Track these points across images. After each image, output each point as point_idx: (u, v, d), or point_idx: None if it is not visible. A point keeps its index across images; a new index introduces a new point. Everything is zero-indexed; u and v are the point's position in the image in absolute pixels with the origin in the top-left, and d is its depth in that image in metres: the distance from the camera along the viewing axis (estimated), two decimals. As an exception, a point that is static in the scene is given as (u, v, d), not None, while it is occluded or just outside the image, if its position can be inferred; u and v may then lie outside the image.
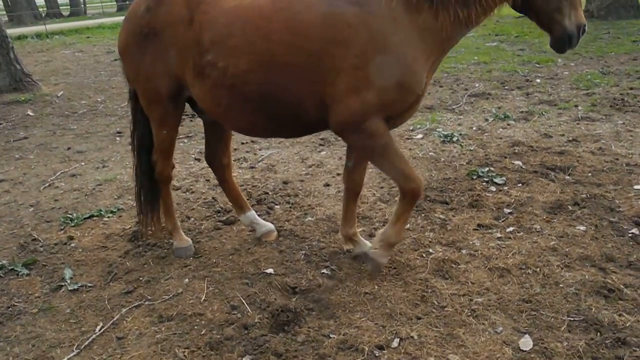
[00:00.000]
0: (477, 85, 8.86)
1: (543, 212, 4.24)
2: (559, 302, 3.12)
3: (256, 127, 3.33)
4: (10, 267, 3.86)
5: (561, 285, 3.26)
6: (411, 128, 6.66)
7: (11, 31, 12.82)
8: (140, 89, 3.51)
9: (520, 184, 4.78)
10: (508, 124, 6.60)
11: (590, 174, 4.90)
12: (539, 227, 4.00)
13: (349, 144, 3.35)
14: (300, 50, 2.84)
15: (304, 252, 3.81)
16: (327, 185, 5.05)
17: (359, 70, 2.78)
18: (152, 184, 3.88)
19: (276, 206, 4.64)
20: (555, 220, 4.08)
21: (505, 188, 4.71)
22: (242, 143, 6.36)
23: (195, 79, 3.16)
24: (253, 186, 5.07)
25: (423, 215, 4.30)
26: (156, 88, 3.37)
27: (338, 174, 5.26)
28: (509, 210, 4.29)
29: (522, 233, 3.93)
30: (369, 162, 3.52)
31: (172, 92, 3.36)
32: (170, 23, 3.17)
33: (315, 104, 2.97)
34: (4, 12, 37.69)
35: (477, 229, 4.04)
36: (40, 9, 42.61)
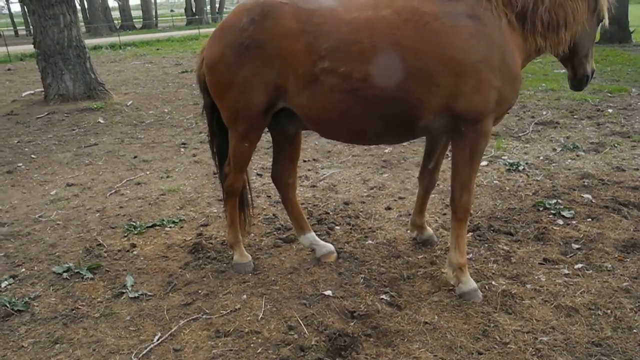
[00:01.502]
0: (544, 113, 8.61)
1: (615, 250, 4.03)
2: (632, 348, 2.94)
3: (364, 133, 3.46)
4: (76, 270, 3.98)
5: (635, 331, 3.08)
6: (475, 154, 6.51)
7: (88, 42, 13.38)
8: (231, 100, 3.50)
9: (589, 219, 4.57)
10: (577, 155, 6.36)
11: (666, 212, 4.65)
12: (610, 265, 3.80)
13: (458, 143, 3.42)
14: (430, 55, 3.14)
15: (363, 275, 3.75)
16: (388, 208, 4.99)
17: (481, 73, 3.17)
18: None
19: (336, 227, 4.60)
20: (628, 260, 3.88)
21: (574, 222, 4.52)
22: (305, 161, 6.38)
23: (305, 87, 3.25)
24: (314, 205, 5.06)
25: (486, 245, 4.18)
26: (249, 100, 3.41)
27: (400, 198, 5.19)
28: (577, 246, 4.11)
29: (591, 271, 3.75)
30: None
31: (267, 103, 3.41)
32: (276, 35, 3.24)
33: (433, 106, 3.24)
34: (83, 24, 39.55)
35: (543, 264, 3.88)
36: (115, 21, 44.56)
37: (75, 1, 11.58)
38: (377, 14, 3.22)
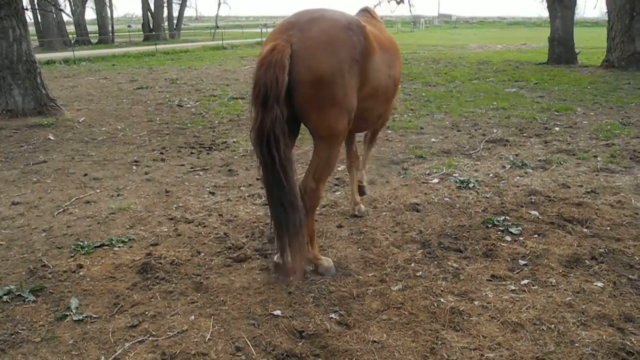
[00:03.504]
0: (495, 131, 8.84)
1: (559, 265, 4.14)
2: (573, 362, 3.01)
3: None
4: (17, 293, 3.84)
5: (577, 345, 3.15)
6: (427, 172, 6.62)
7: (40, 56, 13.11)
8: (342, 109, 3.61)
9: (536, 235, 4.69)
10: (525, 172, 6.53)
11: (609, 228, 4.80)
12: (554, 281, 3.90)
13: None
14: None
15: (313, 294, 3.74)
16: (340, 226, 5.00)
17: None
18: (298, 213, 3.56)
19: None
20: (571, 275, 3.98)
21: (521, 238, 4.63)
22: (257, 179, 6.35)
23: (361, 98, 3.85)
24: (266, 223, 5.04)
25: (436, 262, 4.23)
26: (353, 107, 3.72)
27: (352, 216, 5.21)
28: (524, 262, 4.20)
29: (537, 286, 3.83)
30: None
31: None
32: (369, 53, 3.75)
33: None
34: (36, 37, 38.65)
35: (491, 280, 3.95)
36: (70, 36, 43.68)
37: (27, 15, 11.33)
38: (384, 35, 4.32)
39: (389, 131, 8.92)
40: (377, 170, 6.70)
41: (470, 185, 6.06)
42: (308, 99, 3.50)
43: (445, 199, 5.69)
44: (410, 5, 24.57)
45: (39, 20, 40.53)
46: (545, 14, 23.19)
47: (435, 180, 6.30)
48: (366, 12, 4.89)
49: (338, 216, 5.26)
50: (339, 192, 5.90)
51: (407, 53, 26.93)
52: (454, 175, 6.46)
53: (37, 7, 36.04)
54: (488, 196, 5.72)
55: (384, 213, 5.29)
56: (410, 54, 26.92)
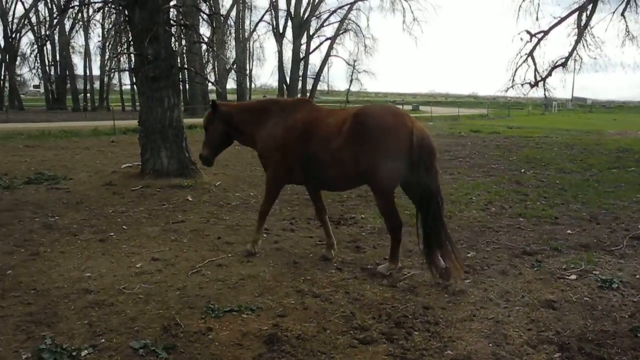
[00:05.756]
0: (640, 227, 8.15)
1: None
2: None
3: None
4: (152, 348, 4.03)
5: None
6: (564, 267, 6.19)
7: (186, 121, 14.25)
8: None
9: (696, 354, 4.16)
10: (680, 278, 5.90)
11: None
12: None
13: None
14: None
15: (441, 390, 3.55)
16: (472, 317, 4.76)
17: None
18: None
19: (415, 332, 4.43)
20: None
21: (678, 355, 4.13)
22: (385, 259, 6.30)
23: None
24: (392, 307, 4.92)
25: (578, 371, 3.87)
26: None
27: (482, 307, 4.97)
28: (682, 384, 3.73)
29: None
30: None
31: None
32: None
33: None
34: (182, 104, 42.32)
35: (643, 400, 3.53)
36: (214, 103, 47.26)
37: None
38: None
39: (521, 219, 8.54)
40: (509, 260, 6.38)
41: (614, 285, 5.56)
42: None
43: (585, 298, 5.25)
44: (545, 90, 23.93)
45: (187, 88, 44.48)
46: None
47: (573, 277, 5.86)
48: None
49: (468, 306, 5.02)
50: (468, 281, 5.67)
51: (538, 137, 26.08)
52: (594, 272, 5.98)
53: (187, 79, 39.55)
54: (635, 300, 5.20)
55: (517, 308, 4.98)
56: (542, 137, 26.02)
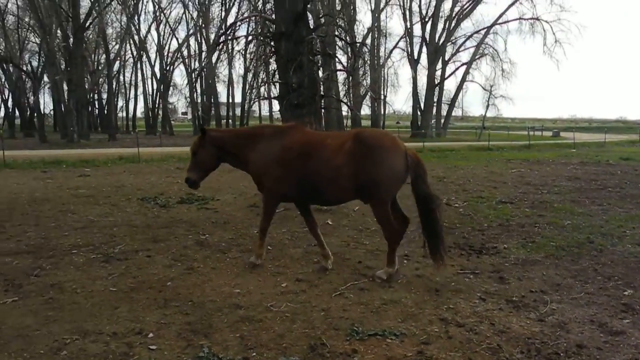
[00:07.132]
0: None
1: None
2: None
3: None
4: (301, 366, 4.17)
5: None
6: None
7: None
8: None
9: None
10: None
11: None
12: None
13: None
14: None
15: None
16: (633, 361, 4.41)
17: None
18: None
19: (569, 372, 4.19)
20: None
21: None
22: (531, 291, 6.01)
23: None
24: (542, 342, 4.69)
25: None
26: None
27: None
28: None
29: None
30: None
31: None
32: None
33: None
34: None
35: None
36: (347, 128, 48.35)
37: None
38: None
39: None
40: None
41: None
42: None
43: None
44: None
45: (322, 113, 45.80)
46: None
47: None
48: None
49: (628, 348, 4.63)
50: (627, 321, 5.23)
51: None
52: None
53: (324, 106, 40.81)
54: None
55: None
56: None
